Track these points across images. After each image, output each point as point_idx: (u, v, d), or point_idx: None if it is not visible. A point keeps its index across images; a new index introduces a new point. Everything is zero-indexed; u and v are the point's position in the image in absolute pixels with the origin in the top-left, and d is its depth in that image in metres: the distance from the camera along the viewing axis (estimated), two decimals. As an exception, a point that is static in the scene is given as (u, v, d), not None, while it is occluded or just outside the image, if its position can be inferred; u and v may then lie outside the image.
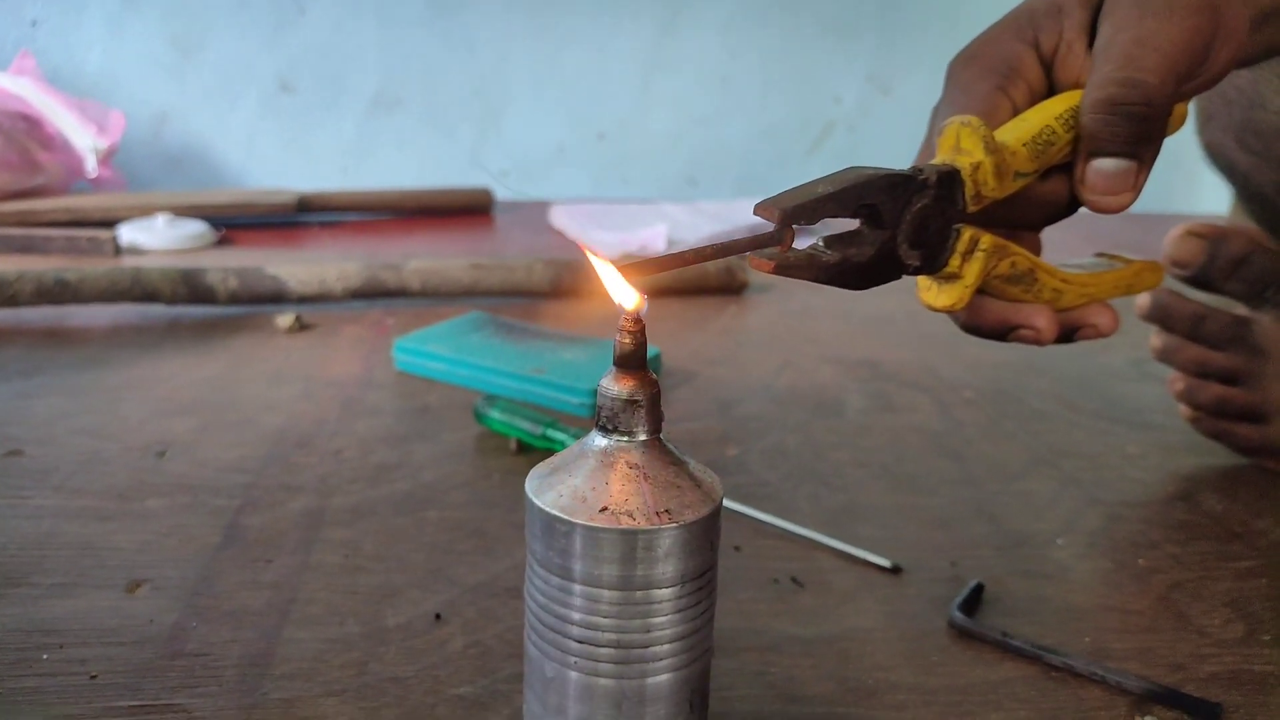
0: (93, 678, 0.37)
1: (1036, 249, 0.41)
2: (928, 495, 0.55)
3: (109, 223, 1.04)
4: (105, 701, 0.36)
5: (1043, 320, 0.39)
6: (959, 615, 0.42)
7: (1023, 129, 0.37)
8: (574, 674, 0.30)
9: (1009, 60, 0.40)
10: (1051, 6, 0.40)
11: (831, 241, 0.34)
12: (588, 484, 0.29)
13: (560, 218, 1.20)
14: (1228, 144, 0.63)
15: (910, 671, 0.39)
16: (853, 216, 0.34)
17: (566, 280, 0.88)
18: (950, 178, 0.35)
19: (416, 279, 0.85)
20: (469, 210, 1.26)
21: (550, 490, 0.29)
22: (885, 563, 0.47)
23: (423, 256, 0.89)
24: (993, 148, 0.35)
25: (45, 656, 0.38)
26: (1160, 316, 0.61)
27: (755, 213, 0.32)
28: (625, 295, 0.30)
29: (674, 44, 1.42)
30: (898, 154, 1.55)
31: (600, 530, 0.28)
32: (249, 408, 0.63)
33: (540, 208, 1.26)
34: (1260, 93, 0.59)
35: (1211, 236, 0.58)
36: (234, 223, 1.11)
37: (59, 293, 0.77)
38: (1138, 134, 0.36)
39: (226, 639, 0.40)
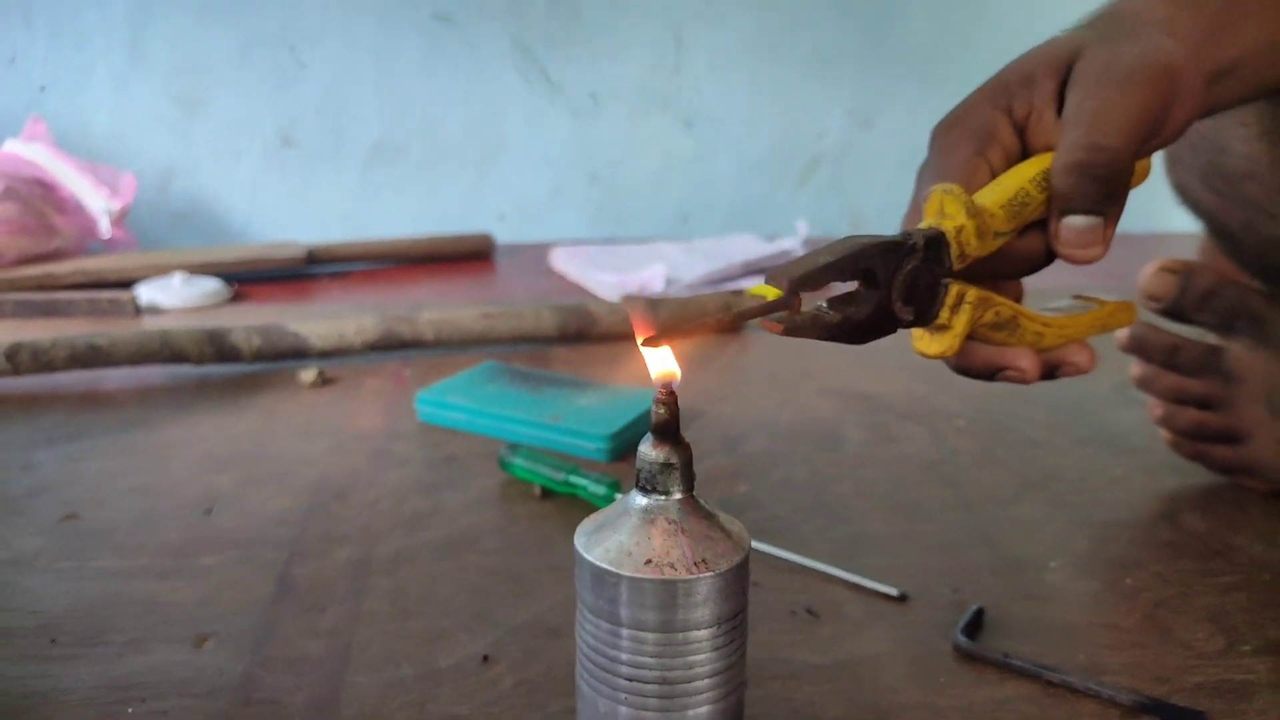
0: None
1: (1018, 295, 0.46)
2: (927, 522, 0.59)
3: (126, 283, 1.08)
4: (190, 748, 0.39)
5: (1026, 361, 0.43)
6: (962, 639, 0.46)
7: (999, 192, 0.41)
8: (624, 709, 0.33)
9: (986, 127, 0.44)
10: (1024, 77, 0.44)
11: (833, 302, 0.38)
12: (632, 539, 0.33)
13: (561, 260, 1.24)
14: (1193, 185, 0.67)
15: (920, 692, 0.43)
16: (851, 280, 0.38)
17: (573, 325, 0.92)
18: (937, 240, 0.39)
19: (430, 330, 0.89)
20: (471, 255, 1.30)
21: (598, 545, 0.33)
22: (893, 591, 0.51)
23: (431, 305, 0.93)
24: (973, 211, 0.39)
25: (130, 710, 0.42)
26: (1138, 348, 0.65)
27: (767, 283, 0.36)
28: (660, 368, 0.34)
29: (661, 84, 1.47)
30: (880, 185, 1.62)
31: (645, 581, 0.32)
32: (285, 462, 0.66)
33: (540, 250, 1.30)
34: (1223, 138, 0.63)
35: (1182, 272, 0.62)
36: (246, 278, 1.15)
37: (91, 357, 0.81)
38: (1103, 194, 0.41)
39: (292, 686, 0.43)
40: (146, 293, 1.05)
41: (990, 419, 0.75)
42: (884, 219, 1.51)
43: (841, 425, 0.74)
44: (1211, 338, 0.64)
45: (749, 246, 1.28)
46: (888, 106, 1.49)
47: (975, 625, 0.48)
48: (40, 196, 1.13)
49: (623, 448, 0.68)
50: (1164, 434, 0.66)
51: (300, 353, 0.86)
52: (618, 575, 0.32)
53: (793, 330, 0.36)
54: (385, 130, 1.44)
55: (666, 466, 0.33)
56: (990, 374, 0.44)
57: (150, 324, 1.00)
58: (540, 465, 0.62)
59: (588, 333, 0.93)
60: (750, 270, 1.19)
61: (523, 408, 0.71)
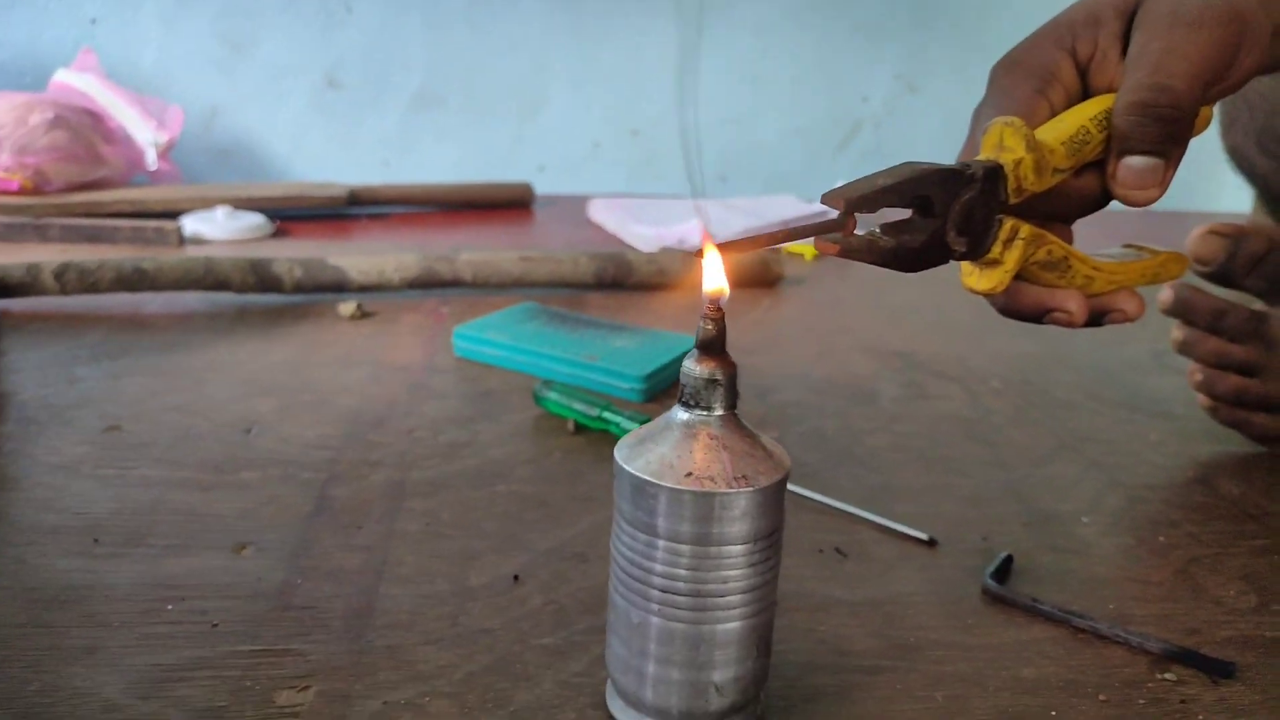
0: (214, 626, 0.41)
1: (1069, 239, 0.45)
2: (960, 476, 0.59)
3: (170, 214, 1.09)
4: (228, 646, 0.40)
5: (1075, 304, 0.43)
6: (991, 582, 0.46)
7: (1060, 129, 0.41)
8: (656, 620, 0.34)
9: (1048, 66, 0.43)
10: (1089, 16, 0.43)
11: (888, 228, 0.38)
12: (674, 452, 0.33)
13: (599, 211, 1.24)
14: (1249, 148, 0.66)
15: (949, 631, 0.43)
16: (907, 206, 0.37)
17: (609, 272, 0.92)
18: (994, 172, 0.39)
19: (469, 270, 0.89)
20: (511, 204, 1.30)
21: (640, 458, 0.34)
22: (923, 535, 0.51)
23: (470, 249, 0.93)
24: (1033, 145, 0.39)
25: (170, 608, 0.43)
26: (1182, 310, 0.64)
27: (822, 201, 0.35)
28: (711, 282, 0.34)
29: (707, 44, 1.46)
30: (924, 151, 1.60)
31: (685, 492, 0.32)
32: (323, 390, 0.67)
33: (578, 202, 1.30)
34: None
35: (1232, 235, 0.62)
36: (288, 214, 1.16)
37: (137, 280, 0.82)
38: (1166, 135, 0.40)
39: (330, 594, 0.44)
40: (191, 224, 1.06)
41: (1026, 381, 0.75)
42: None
43: (876, 381, 0.74)
44: (1258, 304, 0.63)
45: (788, 207, 1.27)
46: (933, 71, 1.47)
47: (1004, 571, 0.48)
48: (89, 126, 1.15)
49: (657, 389, 0.68)
50: (1202, 399, 0.65)
51: (340, 286, 0.87)
52: (657, 486, 0.32)
53: (847, 252, 0.36)
54: (429, 77, 1.44)
55: (711, 382, 0.33)
56: (1038, 315, 0.43)
57: (194, 251, 1.01)
58: (574, 401, 0.62)
59: (624, 281, 0.93)
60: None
61: (559, 346, 0.72)
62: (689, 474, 0.32)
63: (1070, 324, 0.43)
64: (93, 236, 1.02)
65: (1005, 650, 0.42)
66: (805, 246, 1.13)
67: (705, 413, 0.33)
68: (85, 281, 0.81)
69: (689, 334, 0.71)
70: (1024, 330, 0.56)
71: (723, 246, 0.34)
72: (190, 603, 0.43)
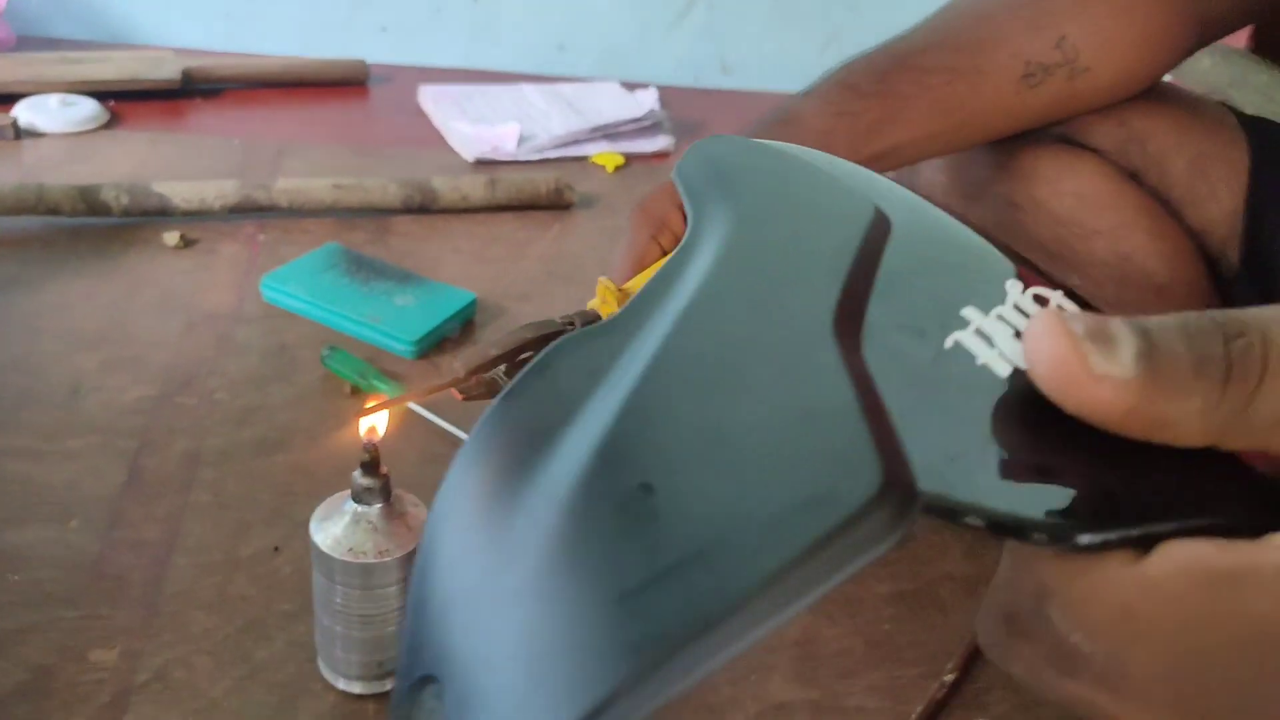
0: (46, 595, 0.59)
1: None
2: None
3: (7, 97, 1.15)
4: (57, 613, 0.58)
5: None
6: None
7: (648, 277, 0.57)
8: (339, 627, 0.53)
9: (660, 216, 0.58)
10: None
11: (510, 369, 0.54)
12: (344, 533, 0.50)
13: (428, 100, 1.33)
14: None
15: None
16: (517, 360, 0.53)
17: (416, 200, 1.05)
18: (592, 321, 0.55)
19: (285, 198, 1.01)
20: (345, 81, 1.38)
21: (321, 532, 0.51)
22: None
23: (294, 148, 1.03)
24: (623, 299, 0.55)
25: (15, 578, 0.59)
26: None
27: (454, 369, 0.51)
28: (367, 427, 0.50)
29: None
30: (751, 34, 1.70)
31: (349, 563, 0.50)
32: (142, 343, 0.81)
33: (412, 80, 1.37)
34: (916, 171, 0.78)
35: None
36: (122, 95, 1.22)
37: (-27, 208, 0.91)
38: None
39: (132, 565, 0.61)
40: (25, 115, 1.12)
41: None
42: (748, 67, 1.60)
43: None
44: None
45: (608, 102, 1.37)
46: (766, -44, 1.55)
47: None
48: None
49: (428, 348, 0.84)
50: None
51: (165, 211, 0.97)
52: (330, 558, 0.50)
53: (470, 397, 0.52)
54: (267, -69, 1.44)
55: (369, 490, 0.50)
56: None
57: (30, 149, 1.09)
58: (348, 366, 0.78)
59: (429, 206, 1.06)
60: (599, 134, 1.30)
61: (349, 303, 0.86)
62: (349, 550, 0.50)
63: None
64: (-71, 128, 1.08)
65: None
66: (609, 156, 1.26)
67: (367, 507, 0.51)
68: (-76, 208, 0.90)
69: (467, 290, 0.87)
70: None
71: (376, 407, 0.50)
72: (28, 574, 0.60)
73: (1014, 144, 0.71)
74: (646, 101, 1.39)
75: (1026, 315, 0.25)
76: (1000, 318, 0.25)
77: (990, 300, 0.25)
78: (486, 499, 0.23)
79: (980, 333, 0.24)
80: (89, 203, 0.95)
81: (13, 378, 0.76)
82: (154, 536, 0.64)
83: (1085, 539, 0.20)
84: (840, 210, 0.29)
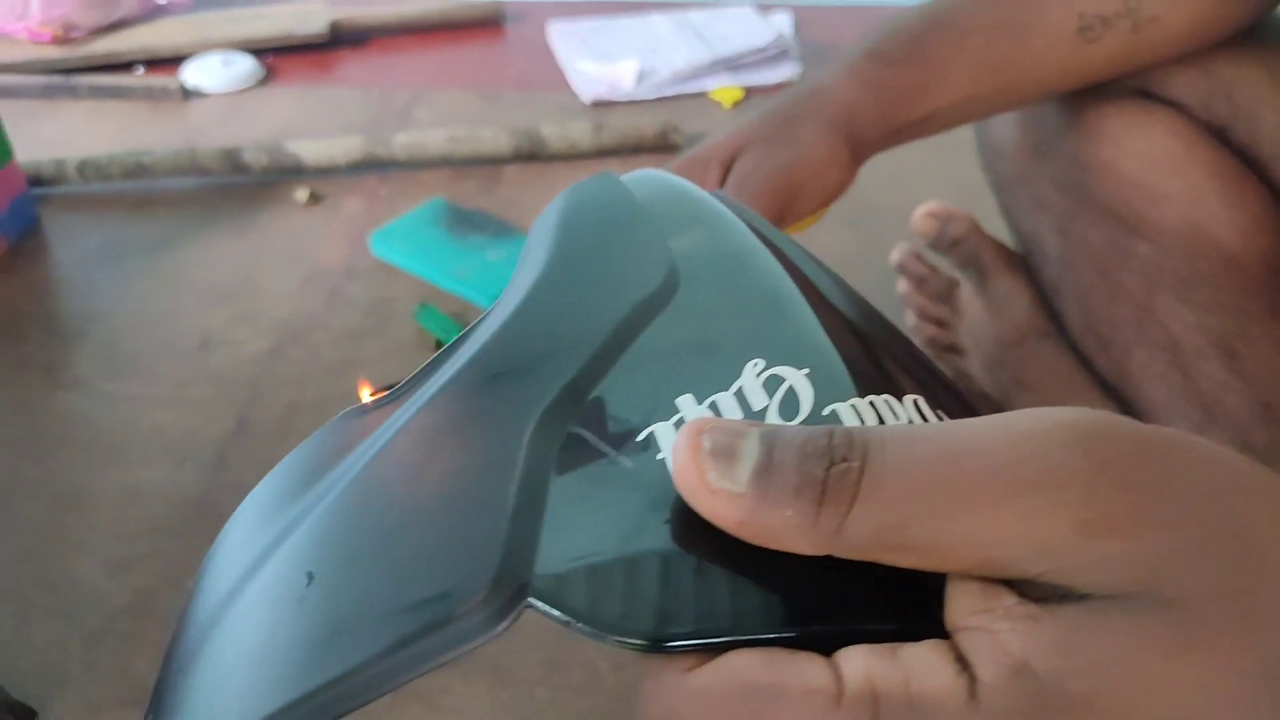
0: (155, 527, 0.69)
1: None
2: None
3: (178, 58, 1.27)
4: (162, 543, 0.68)
5: None
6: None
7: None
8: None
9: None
10: (704, 160, 0.59)
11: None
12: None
13: (556, 39, 1.35)
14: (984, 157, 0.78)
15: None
16: None
17: (525, 149, 1.09)
18: None
19: (404, 152, 1.08)
20: (481, 23, 1.42)
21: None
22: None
23: (426, 96, 1.10)
24: None
25: (135, 513, 0.70)
26: (901, 270, 0.81)
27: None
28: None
29: None
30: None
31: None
32: (265, 299, 0.91)
33: (545, 19, 1.40)
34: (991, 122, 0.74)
35: (943, 218, 0.77)
36: (278, 49, 1.32)
37: (140, 172, 1.04)
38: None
39: (232, 504, 0.70)
40: (192, 76, 1.24)
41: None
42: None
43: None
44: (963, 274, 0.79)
45: (737, 29, 1.35)
46: None
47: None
48: (101, -31, 1.30)
49: (514, 301, 0.89)
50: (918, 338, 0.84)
51: (298, 169, 1.07)
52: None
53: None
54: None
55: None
56: None
57: (194, 109, 1.21)
58: (436, 322, 0.85)
59: (538, 154, 1.10)
60: (721, 66, 1.28)
61: (445, 258, 0.93)
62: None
63: None
64: (115, 94, 1.22)
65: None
66: (729, 91, 1.25)
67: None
68: (102, 174, 1.03)
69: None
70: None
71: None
72: (148, 510, 0.71)
73: (1084, 98, 0.66)
74: (779, 25, 1.36)
75: (745, 403, 0.26)
76: (712, 405, 0.26)
77: (717, 385, 0.26)
78: (238, 541, 0.27)
79: (680, 424, 0.25)
80: (234, 163, 1.05)
81: (155, 330, 0.87)
82: (252, 480, 0.72)
83: (638, 643, 0.21)
84: (631, 274, 0.30)
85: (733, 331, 0.29)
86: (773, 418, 0.26)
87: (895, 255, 0.81)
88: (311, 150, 1.06)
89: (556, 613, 0.22)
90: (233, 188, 1.06)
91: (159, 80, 1.23)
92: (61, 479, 0.73)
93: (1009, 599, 0.20)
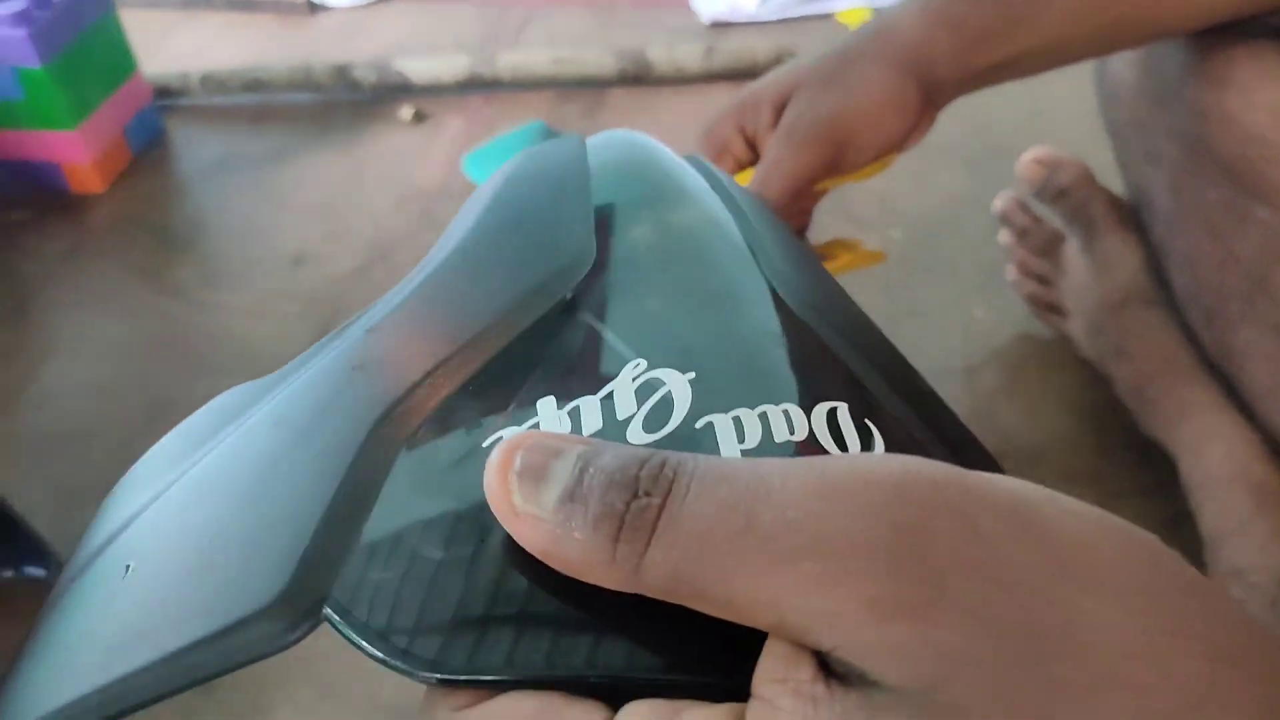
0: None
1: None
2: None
3: (308, -27, 1.30)
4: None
5: None
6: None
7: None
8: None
9: (724, 139, 0.56)
10: (755, 101, 0.55)
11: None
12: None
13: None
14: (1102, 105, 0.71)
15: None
16: None
17: (630, 71, 1.06)
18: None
19: (508, 72, 1.06)
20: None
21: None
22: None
23: (541, 13, 1.09)
24: None
25: (214, 421, 0.74)
26: (1004, 219, 0.75)
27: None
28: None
29: None
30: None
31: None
32: (358, 217, 0.92)
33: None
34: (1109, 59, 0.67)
35: (1049, 164, 0.71)
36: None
37: (257, 86, 1.07)
38: (769, 229, 0.54)
39: (301, 421, 0.73)
40: (318, -10, 1.26)
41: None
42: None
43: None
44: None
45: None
46: None
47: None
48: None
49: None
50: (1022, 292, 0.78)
51: (406, 87, 1.07)
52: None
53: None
54: None
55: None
56: None
57: (318, 23, 1.23)
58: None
59: (644, 78, 1.07)
60: (851, -15, 1.21)
61: (534, 184, 0.92)
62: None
63: None
64: (245, 6, 1.25)
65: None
66: (857, 13, 1.17)
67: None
68: (222, 87, 1.07)
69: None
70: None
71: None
72: (226, 418, 0.74)
73: (1213, 38, 0.58)
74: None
75: (610, 410, 0.24)
76: (574, 410, 0.24)
77: (590, 386, 0.24)
78: (101, 521, 0.27)
79: (535, 428, 0.24)
80: (345, 79, 1.07)
81: (254, 243, 0.90)
82: (322, 397, 0.75)
83: (426, 676, 0.20)
84: (537, 258, 0.28)
85: (630, 325, 0.27)
86: (635, 429, 0.23)
87: (998, 203, 0.75)
88: (418, 68, 1.07)
89: (349, 632, 0.21)
90: (343, 104, 1.08)
91: (287, -7, 1.26)
92: (155, 384, 0.77)
93: (806, 672, 0.18)
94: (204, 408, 0.29)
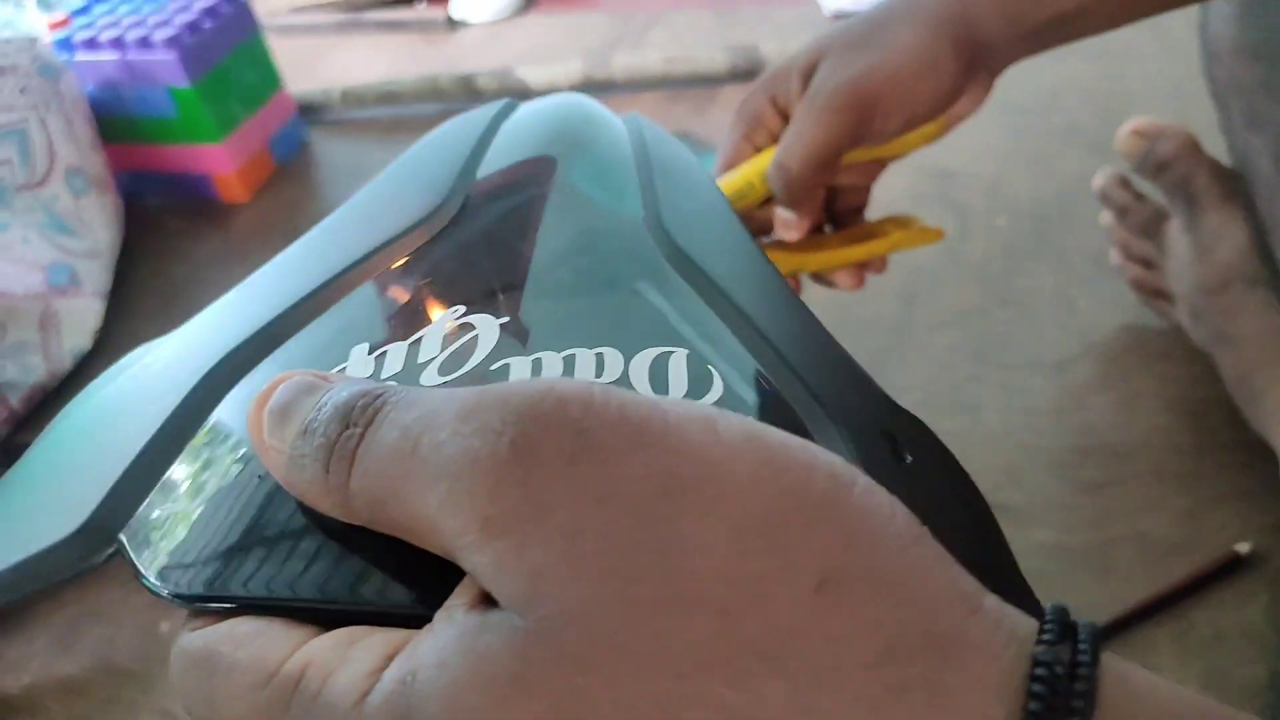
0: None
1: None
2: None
3: (451, -9, 1.36)
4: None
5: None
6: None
7: (733, 181, 0.55)
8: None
9: (756, 112, 0.55)
10: (785, 72, 0.54)
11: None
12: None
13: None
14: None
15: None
16: None
17: (742, 67, 1.05)
18: None
19: (621, 74, 1.08)
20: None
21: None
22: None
23: (665, 14, 1.10)
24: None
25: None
26: (1103, 199, 0.69)
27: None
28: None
29: None
30: None
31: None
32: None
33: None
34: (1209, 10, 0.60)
35: (1150, 135, 0.65)
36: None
37: (389, 98, 1.13)
38: (790, 198, 0.52)
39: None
40: (459, 9, 1.33)
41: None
42: None
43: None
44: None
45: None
46: None
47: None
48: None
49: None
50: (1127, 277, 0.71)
51: (526, 94, 1.11)
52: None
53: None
54: None
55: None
56: None
57: (457, 40, 1.29)
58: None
59: (756, 73, 1.06)
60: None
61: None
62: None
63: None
64: (393, 27, 1.33)
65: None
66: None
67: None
68: (360, 101, 1.14)
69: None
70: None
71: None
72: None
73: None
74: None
75: (414, 353, 0.24)
76: (381, 355, 0.24)
77: (406, 333, 0.25)
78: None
79: (342, 372, 0.24)
80: (469, 89, 1.12)
81: (370, 245, 0.96)
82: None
83: (171, 601, 0.21)
84: (393, 214, 0.29)
85: (468, 277, 0.27)
86: (429, 372, 0.24)
87: (1097, 180, 0.69)
88: (536, 75, 1.10)
89: (134, 562, 0.22)
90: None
91: (429, 13, 1.33)
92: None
93: (466, 596, 0.18)
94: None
